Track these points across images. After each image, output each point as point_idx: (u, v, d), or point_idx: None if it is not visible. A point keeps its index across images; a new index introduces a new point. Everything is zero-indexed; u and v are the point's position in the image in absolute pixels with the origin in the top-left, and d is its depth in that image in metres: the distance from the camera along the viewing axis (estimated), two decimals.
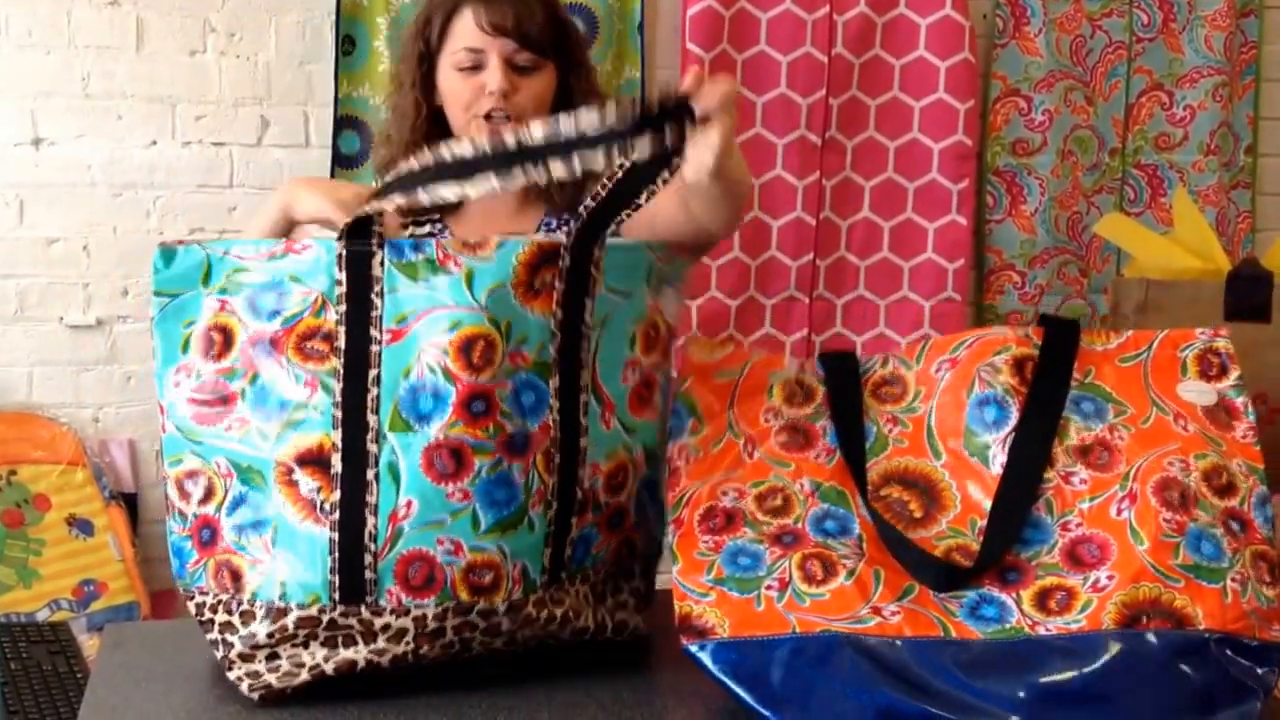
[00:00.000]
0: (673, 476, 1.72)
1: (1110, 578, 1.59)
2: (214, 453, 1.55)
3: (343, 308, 1.53)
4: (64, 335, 3.73)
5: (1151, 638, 1.53)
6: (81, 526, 3.51)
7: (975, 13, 4.12)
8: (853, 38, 4.02)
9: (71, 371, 3.74)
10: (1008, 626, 1.58)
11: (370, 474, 1.51)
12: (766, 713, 1.49)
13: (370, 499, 1.51)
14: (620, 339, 1.65)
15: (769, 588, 1.60)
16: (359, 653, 1.53)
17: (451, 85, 2.11)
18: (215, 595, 1.57)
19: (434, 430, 1.51)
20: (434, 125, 2.17)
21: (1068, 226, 4.23)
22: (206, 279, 1.57)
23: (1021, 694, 1.46)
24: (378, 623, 1.53)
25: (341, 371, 1.52)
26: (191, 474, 1.57)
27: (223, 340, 1.56)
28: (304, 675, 1.53)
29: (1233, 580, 1.57)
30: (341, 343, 1.53)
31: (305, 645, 1.53)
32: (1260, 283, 2.32)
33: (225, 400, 1.55)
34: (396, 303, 1.53)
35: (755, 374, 1.83)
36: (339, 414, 1.52)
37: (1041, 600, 1.59)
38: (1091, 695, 1.47)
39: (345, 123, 3.77)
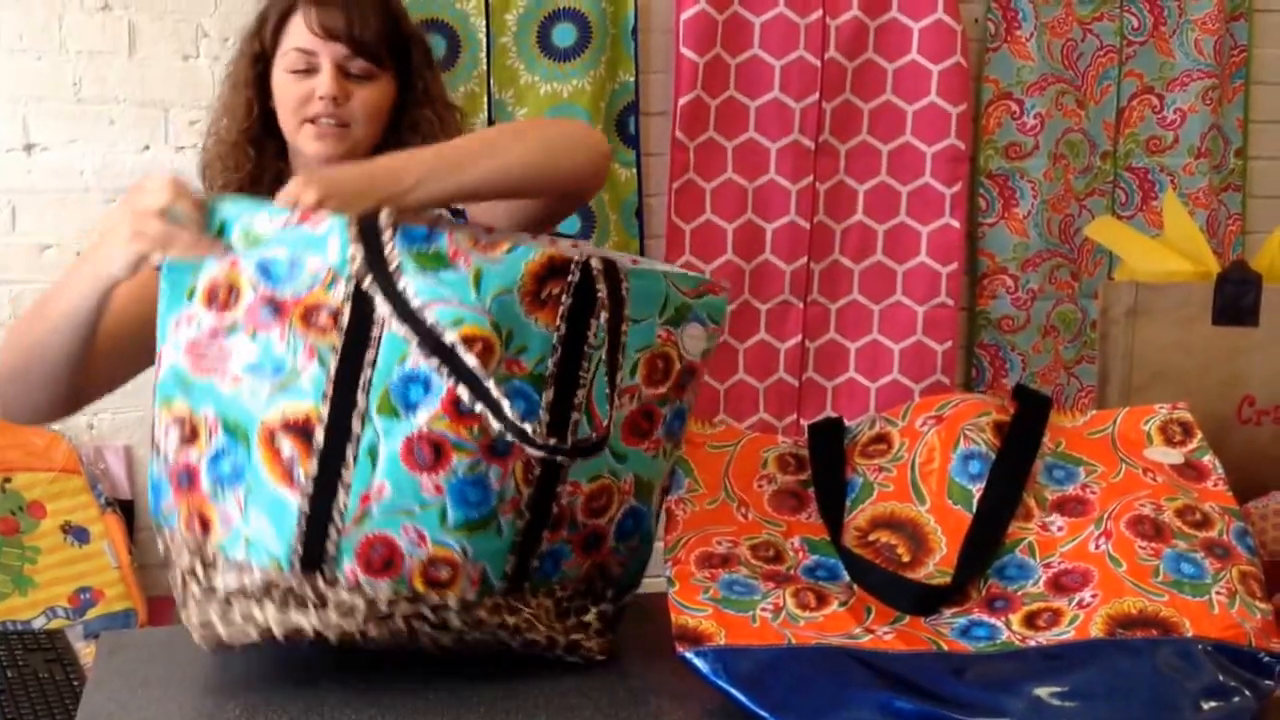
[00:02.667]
0: (670, 523, 1.77)
1: (1094, 595, 1.61)
2: (204, 402, 1.56)
3: (351, 287, 1.54)
4: None
5: (1140, 644, 1.54)
6: (77, 534, 3.51)
7: (967, 17, 4.13)
8: (845, 42, 4.02)
9: None
10: (998, 642, 1.60)
11: (350, 452, 1.52)
12: (764, 714, 1.50)
13: (346, 475, 1.51)
14: (623, 366, 1.64)
15: (764, 609, 1.63)
16: (308, 620, 1.54)
17: (283, 87, 2.07)
18: (183, 538, 1.58)
19: (419, 420, 1.51)
20: (264, 127, 2.13)
21: (1060, 230, 4.24)
22: (221, 233, 1.58)
23: (1016, 696, 1.48)
24: (331, 595, 1.53)
25: (340, 348, 1.53)
26: (179, 419, 1.58)
27: (228, 295, 1.57)
28: (253, 633, 1.55)
29: (1218, 594, 1.59)
30: (345, 320, 1.53)
31: (259, 603, 1.54)
32: (1248, 286, 2.31)
33: (222, 354, 1.56)
34: (419, 286, 1.54)
35: (749, 448, 1.88)
36: (330, 389, 1.52)
37: (1030, 620, 1.62)
38: (1084, 696, 1.48)
39: None
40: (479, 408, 1.50)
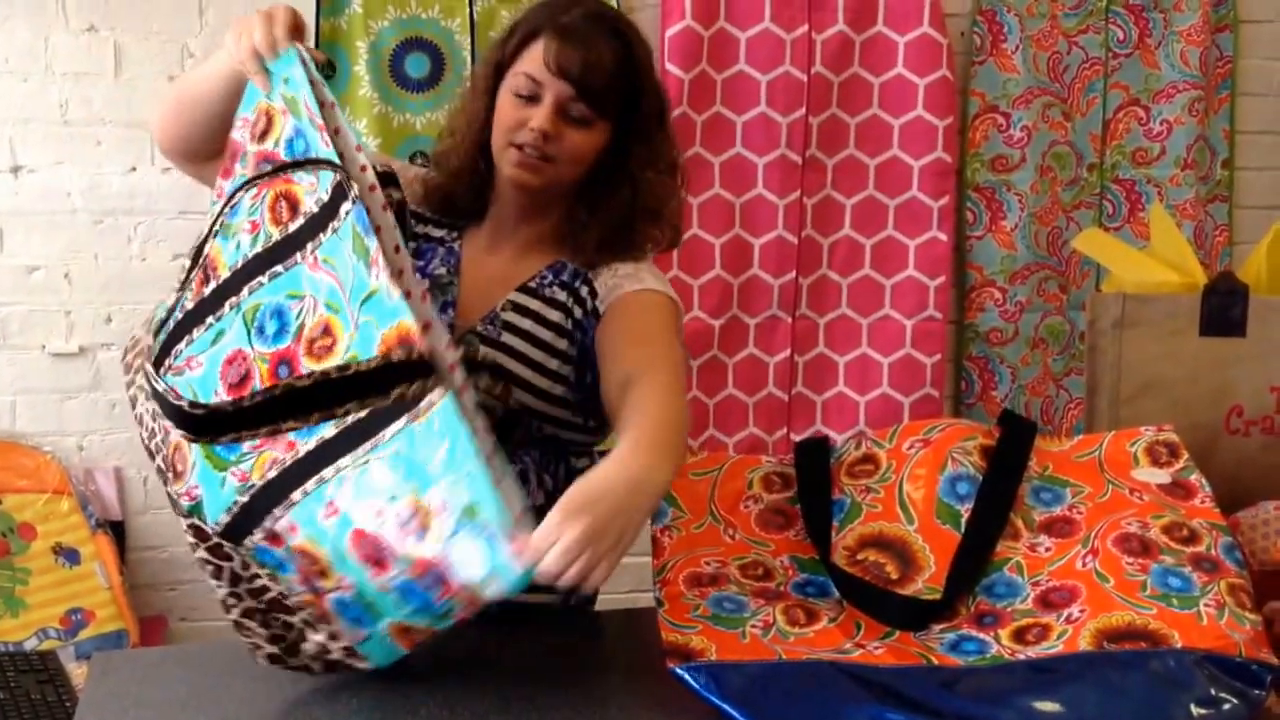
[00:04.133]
0: (657, 549, 1.79)
1: (1082, 610, 1.63)
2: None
3: (311, 214, 1.65)
4: (46, 363, 3.72)
5: (1129, 656, 1.55)
6: (68, 555, 3.50)
7: (953, 30, 4.13)
8: (831, 56, 4.03)
9: (55, 400, 3.73)
10: (988, 656, 1.60)
11: (208, 320, 1.68)
12: None
13: (192, 335, 1.70)
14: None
15: (754, 626, 1.64)
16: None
17: (504, 106, 2.04)
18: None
19: (265, 346, 1.61)
20: (488, 135, 2.11)
21: (1047, 242, 4.25)
22: (285, 82, 1.75)
23: (1007, 708, 1.49)
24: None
25: (266, 246, 1.67)
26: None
27: (261, 130, 1.76)
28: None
29: (1206, 606, 1.60)
30: (290, 230, 1.66)
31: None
32: (1236, 297, 2.32)
33: (231, 163, 1.79)
34: (334, 250, 1.62)
35: (733, 470, 1.89)
36: (240, 263, 1.68)
37: (1019, 635, 1.63)
38: (1075, 708, 1.49)
39: None
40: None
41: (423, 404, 1.52)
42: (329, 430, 1.55)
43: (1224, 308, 2.33)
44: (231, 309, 1.64)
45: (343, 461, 1.54)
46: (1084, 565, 1.67)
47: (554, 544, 1.45)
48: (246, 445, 1.59)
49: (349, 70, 3.75)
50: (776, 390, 4.14)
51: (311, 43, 3.65)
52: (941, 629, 1.67)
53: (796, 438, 4.09)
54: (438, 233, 2.13)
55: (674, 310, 2.03)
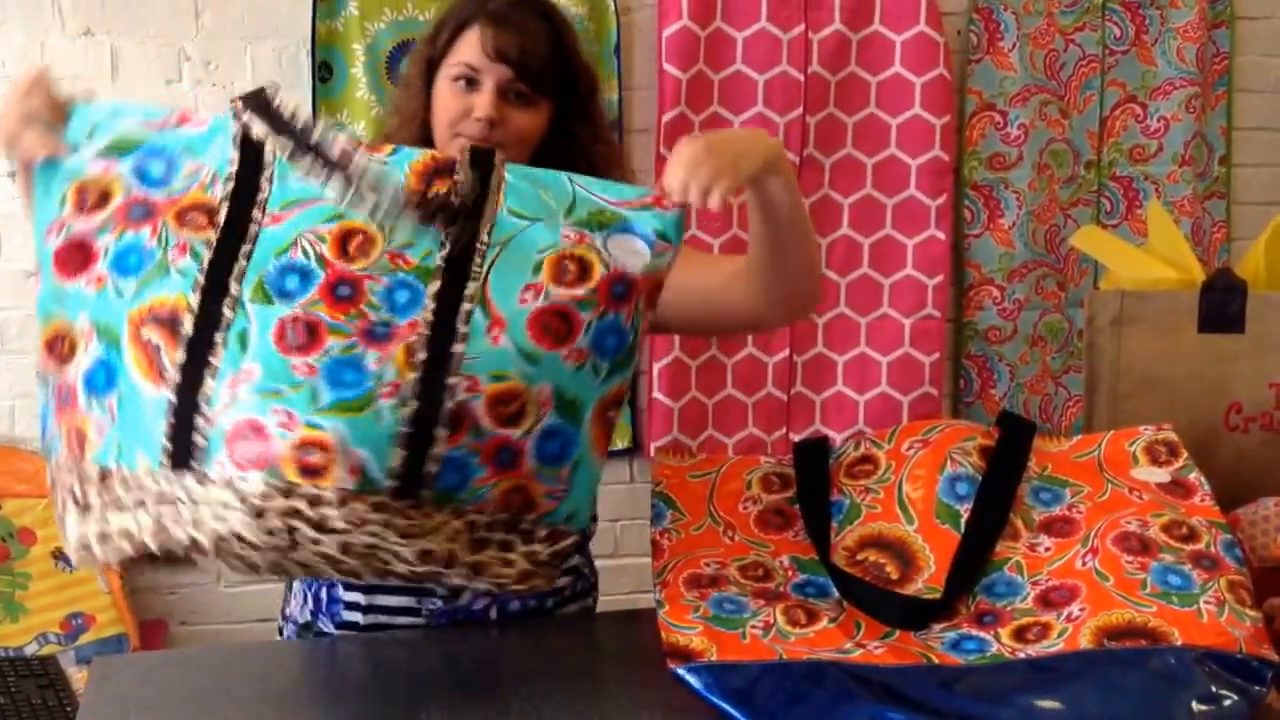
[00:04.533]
0: (656, 551, 1.79)
1: (1082, 609, 1.63)
2: (77, 309, 1.54)
3: (230, 185, 1.56)
4: None
5: (1129, 654, 1.55)
6: (67, 560, 3.49)
7: (949, 29, 4.14)
8: (828, 55, 4.03)
9: None
10: (988, 655, 1.61)
11: (219, 337, 1.49)
12: None
13: (214, 361, 1.48)
14: (523, 262, 1.60)
15: (754, 627, 1.65)
16: (182, 528, 1.48)
17: (443, 98, 2.07)
18: (65, 459, 1.55)
19: (294, 307, 1.49)
20: (425, 130, 2.13)
21: (1045, 240, 4.25)
22: (91, 136, 1.58)
23: (1008, 706, 1.49)
24: (199, 493, 1.47)
25: (214, 242, 1.53)
26: (58, 335, 1.56)
27: (98, 197, 1.56)
28: (127, 548, 1.51)
29: (1206, 603, 1.60)
30: (222, 217, 1.54)
31: (134, 513, 1.50)
32: (1234, 293, 2.32)
33: (87, 255, 1.54)
34: (285, 190, 1.56)
35: (732, 471, 1.90)
36: (202, 278, 1.51)
37: (1019, 634, 1.63)
38: (1076, 706, 1.49)
39: None
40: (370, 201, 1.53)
41: (493, 179, 1.60)
42: (431, 282, 1.55)
43: (1222, 304, 2.33)
44: (234, 309, 1.51)
45: (469, 284, 1.56)
46: (1084, 564, 1.68)
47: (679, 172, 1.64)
48: (370, 362, 1.51)
49: (346, 73, 3.75)
50: (775, 390, 4.15)
51: (308, 46, 3.69)
52: (942, 628, 1.68)
53: (796, 437, 4.10)
54: None
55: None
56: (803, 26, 4.00)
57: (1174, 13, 4.28)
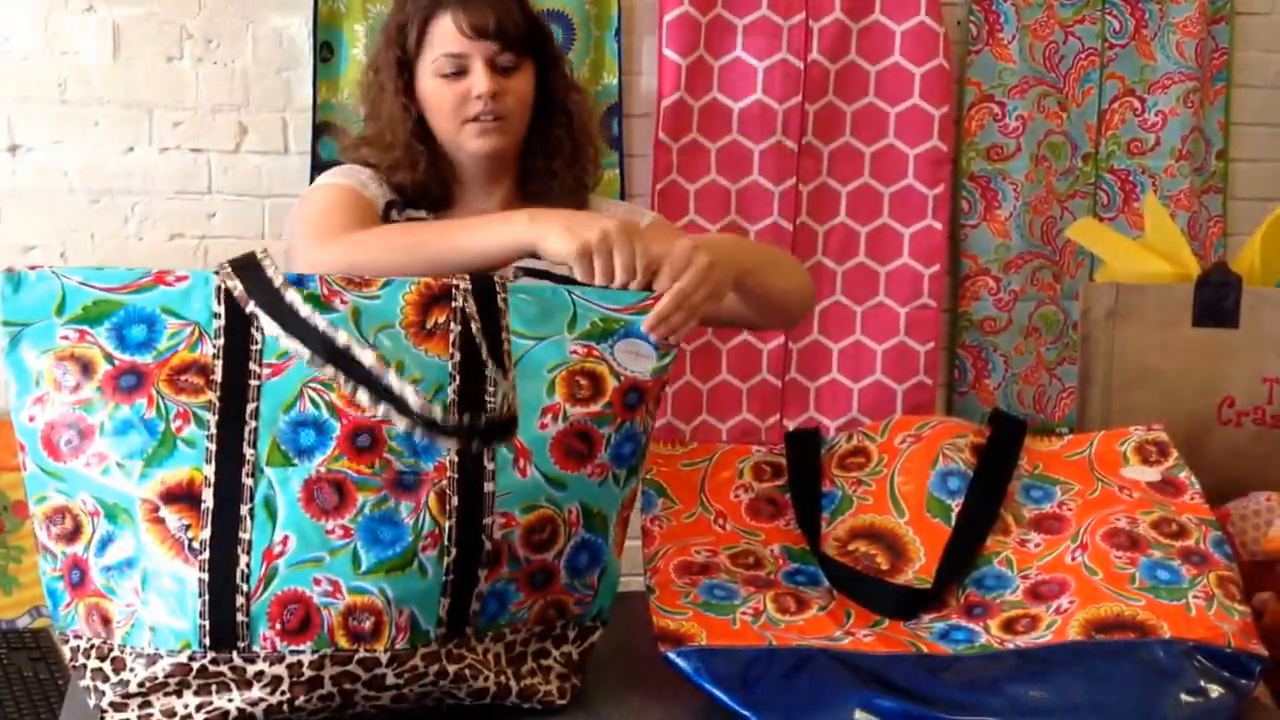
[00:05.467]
0: (647, 538, 1.79)
1: (1071, 602, 1.64)
2: (78, 489, 1.46)
3: (220, 341, 1.48)
4: None
5: (1118, 645, 1.56)
6: None
7: (949, 19, 4.14)
8: (828, 44, 4.03)
9: None
10: (977, 645, 1.62)
11: (244, 509, 1.43)
12: (746, 713, 1.51)
13: (244, 535, 1.43)
14: (535, 383, 1.58)
15: (744, 614, 1.65)
16: (232, 701, 1.44)
17: (435, 93, 2.09)
18: (88, 640, 1.48)
19: (315, 464, 1.44)
20: (422, 128, 2.16)
21: (1042, 231, 4.26)
22: (60, 309, 1.49)
23: (997, 695, 1.50)
24: (250, 670, 1.44)
25: (217, 405, 1.46)
26: (58, 511, 1.47)
27: (80, 370, 1.47)
28: None
29: (1195, 598, 1.61)
30: (219, 376, 1.47)
31: (178, 694, 1.45)
32: (1229, 288, 2.34)
33: (83, 434, 1.46)
34: (272, 345, 1.49)
35: (724, 460, 1.91)
36: (213, 447, 1.45)
37: (1008, 625, 1.64)
38: (1064, 695, 1.50)
39: (324, 129, 3.76)
40: (381, 410, 1.45)
41: (498, 298, 1.58)
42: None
43: (1217, 298, 2.34)
44: (253, 475, 1.45)
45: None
46: (1073, 559, 1.68)
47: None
48: (405, 515, 1.49)
49: (347, 54, 3.75)
50: (770, 376, 4.16)
51: (309, 26, 3.70)
52: (931, 619, 1.68)
53: (790, 423, 4.11)
54: (418, 215, 2.17)
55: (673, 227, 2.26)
56: (803, 14, 4.01)
57: (1174, 7, 4.28)
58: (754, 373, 4.14)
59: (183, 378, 1.47)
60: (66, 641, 1.50)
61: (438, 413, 1.46)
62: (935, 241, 4.17)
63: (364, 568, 1.44)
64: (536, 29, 2.16)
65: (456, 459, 1.50)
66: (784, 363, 4.15)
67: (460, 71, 2.08)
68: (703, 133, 4.01)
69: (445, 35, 2.08)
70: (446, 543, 1.49)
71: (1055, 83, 4.25)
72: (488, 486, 1.51)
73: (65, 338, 1.48)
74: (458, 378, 1.52)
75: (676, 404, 4.05)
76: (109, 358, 1.47)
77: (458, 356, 1.53)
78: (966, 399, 4.28)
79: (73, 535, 1.47)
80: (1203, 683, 1.51)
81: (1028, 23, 4.20)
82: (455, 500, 1.50)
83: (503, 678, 1.56)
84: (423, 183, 2.17)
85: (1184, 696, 1.50)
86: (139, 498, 1.44)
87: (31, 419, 1.48)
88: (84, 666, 1.48)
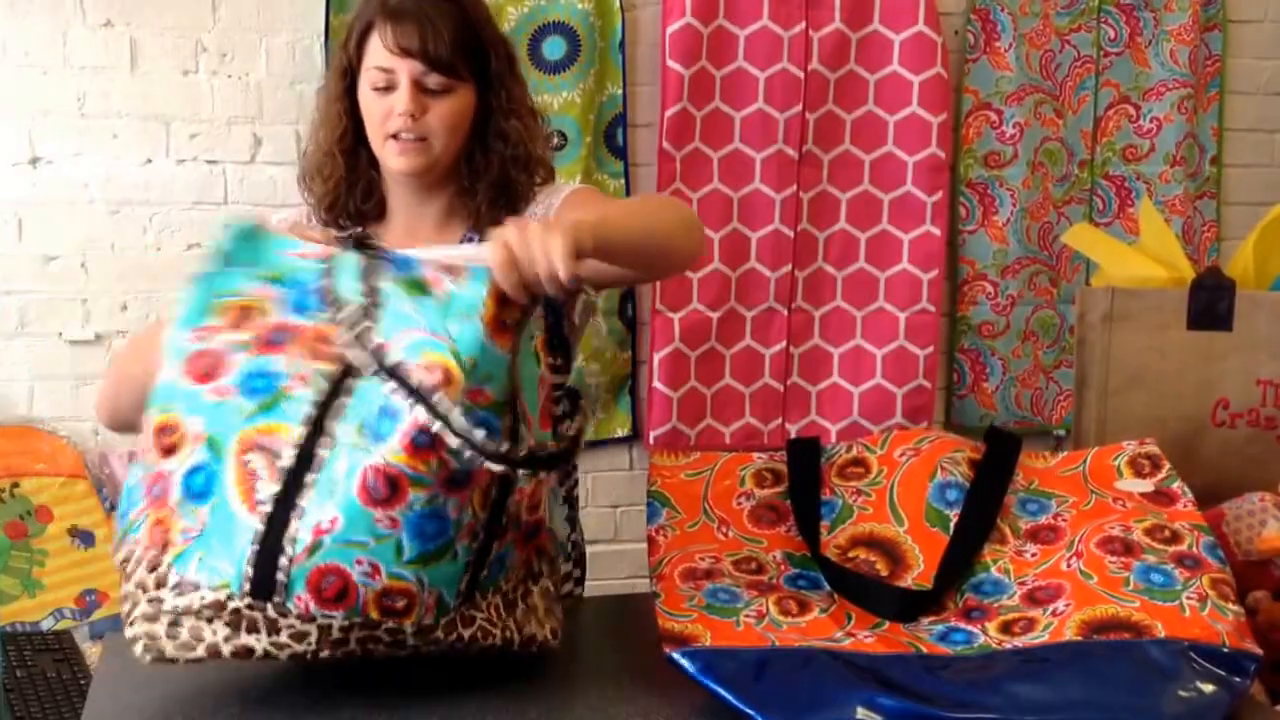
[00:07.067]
0: (652, 547, 1.82)
1: (1067, 604, 1.65)
2: (193, 412, 1.53)
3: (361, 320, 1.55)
4: (64, 350, 3.78)
5: (1114, 645, 1.58)
6: (83, 537, 3.53)
7: (947, 28, 4.18)
8: (828, 53, 4.08)
9: (71, 385, 3.78)
10: (975, 646, 1.63)
11: (310, 478, 1.48)
12: (750, 712, 1.52)
13: (301, 502, 1.47)
14: (531, 361, 1.61)
15: (747, 616, 1.67)
16: (260, 641, 1.49)
17: (367, 103, 2.07)
18: (144, 548, 1.53)
19: (379, 453, 1.47)
20: (356, 136, 2.13)
21: (1039, 237, 4.30)
22: (257, 259, 1.62)
23: (995, 693, 1.52)
24: (282, 622, 1.48)
25: (337, 375, 1.53)
26: (168, 426, 1.54)
27: (251, 316, 1.58)
28: (200, 651, 1.50)
29: (1189, 598, 1.62)
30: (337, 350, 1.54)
31: (209, 622, 1.49)
32: (1223, 291, 2.34)
33: (220, 365, 1.55)
34: (393, 316, 1.55)
35: (725, 469, 1.94)
36: (312, 411, 1.51)
37: (1006, 628, 1.65)
38: (1062, 693, 1.52)
39: None
40: (454, 441, 1.47)
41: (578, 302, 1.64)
42: (504, 416, 1.54)
43: (1211, 302, 2.35)
44: (330, 448, 1.50)
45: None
46: (1069, 566, 1.71)
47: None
48: (450, 510, 1.52)
49: None
50: (772, 381, 4.20)
51: (322, 40, 3.75)
52: (930, 621, 1.70)
53: (792, 427, 4.15)
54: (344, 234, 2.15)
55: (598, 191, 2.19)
56: (803, 25, 4.05)
57: (1168, 15, 4.32)
58: (756, 377, 4.19)
59: (320, 346, 1.55)
60: (124, 542, 1.57)
61: (503, 449, 1.49)
62: (934, 247, 4.21)
63: (406, 558, 1.48)
64: (477, 49, 2.09)
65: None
66: (786, 367, 4.19)
67: (390, 86, 2.05)
68: (705, 142, 4.06)
69: (376, 48, 2.05)
70: (479, 530, 1.54)
71: (1052, 90, 4.29)
72: (519, 472, 1.54)
73: (253, 289, 1.60)
74: (512, 374, 1.55)
75: (681, 408, 4.10)
76: (277, 315, 1.58)
77: (512, 355, 1.56)
78: (965, 402, 4.33)
79: (172, 450, 1.54)
80: (1198, 681, 1.53)
81: (1024, 31, 4.24)
82: (494, 493, 1.54)
83: (507, 631, 1.61)
84: (344, 195, 2.16)
85: (1181, 694, 1.51)
86: (238, 437, 1.51)
87: (190, 340, 1.58)
88: (132, 575, 1.55)
